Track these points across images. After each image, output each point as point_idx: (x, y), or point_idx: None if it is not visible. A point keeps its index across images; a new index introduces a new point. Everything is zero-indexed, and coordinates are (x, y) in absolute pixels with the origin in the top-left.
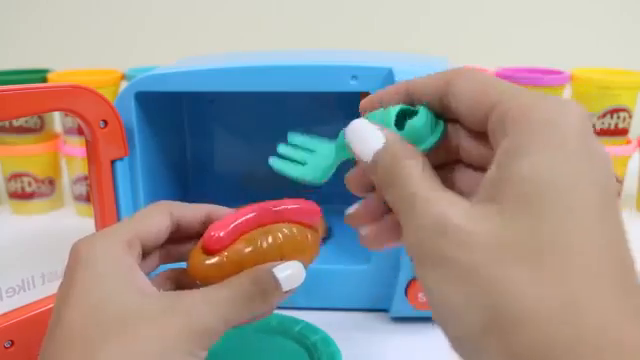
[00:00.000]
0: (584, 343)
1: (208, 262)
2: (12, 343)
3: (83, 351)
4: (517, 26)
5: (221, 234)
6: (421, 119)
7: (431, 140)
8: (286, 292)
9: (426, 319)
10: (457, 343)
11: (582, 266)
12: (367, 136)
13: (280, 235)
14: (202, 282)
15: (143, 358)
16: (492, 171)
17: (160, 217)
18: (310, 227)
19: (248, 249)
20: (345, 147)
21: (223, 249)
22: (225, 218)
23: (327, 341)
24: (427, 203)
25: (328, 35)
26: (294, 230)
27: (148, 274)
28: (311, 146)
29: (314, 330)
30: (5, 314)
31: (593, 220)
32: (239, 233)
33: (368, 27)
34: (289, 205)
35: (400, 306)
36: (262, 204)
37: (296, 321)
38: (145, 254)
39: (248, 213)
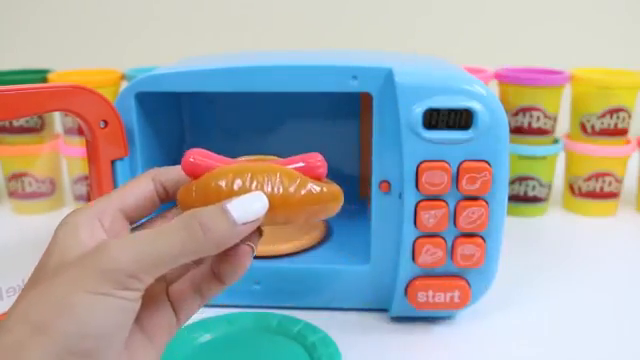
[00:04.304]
0: None
1: (180, 189)
2: None
3: (18, 299)
4: (517, 26)
5: (192, 159)
6: None
7: None
8: (244, 224)
9: (426, 319)
10: None
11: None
12: None
13: (264, 177)
14: (183, 209)
15: (51, 300)
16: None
17: (140, 181)
18: (319, 180)
19: (218, 181)
20: None
21: (198, 174)
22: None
23: (327, 341)
24: None
25: (328, 35)
26: (284, 177)
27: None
28: None
29: (314, 330)
30: (5, 314)
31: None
32: (217, 161)
33: (368, 27)
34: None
35: (400, 306)
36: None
37: (296, 321)
38: (140, 218)
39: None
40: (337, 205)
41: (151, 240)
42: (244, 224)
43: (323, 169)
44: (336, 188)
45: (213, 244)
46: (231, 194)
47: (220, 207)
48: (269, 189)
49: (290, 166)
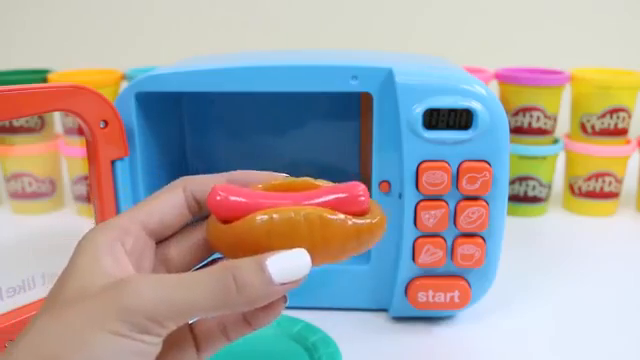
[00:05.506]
0: None
1: (211, 226)
2: None
3: (30, 325)
4: (517, 26)
5: (219, 197)
6: None
7: None
8: (283, 285)
9: (426, 319)
10: None
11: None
12: None
13: (303, 213)
14: (216, 250)
15: (65, 334)
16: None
17: (168, 195)
18: (355, 214)
19: (259, 219)
20: None
21: (230, 214)
22: (239, 185)
23: (327, 341)
24: None
25: (328, 35)
26: (325, 215)
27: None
28: None
29: (314, 330)
30: (5, 314)
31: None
32: (247, 197)
33: (368, 27)
34: (321, 198)
35: (400, 306)
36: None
37: (296, 321)
38: (167, 235)
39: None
40: (382, 232)
41: (180, 287)
42: (283, 284)
43: (366, 202)
44: (379, 217)
45: (245, 302)
46: (271, 242)
47: (259, 262)
48: (310, 237)
49: (331, 196)
